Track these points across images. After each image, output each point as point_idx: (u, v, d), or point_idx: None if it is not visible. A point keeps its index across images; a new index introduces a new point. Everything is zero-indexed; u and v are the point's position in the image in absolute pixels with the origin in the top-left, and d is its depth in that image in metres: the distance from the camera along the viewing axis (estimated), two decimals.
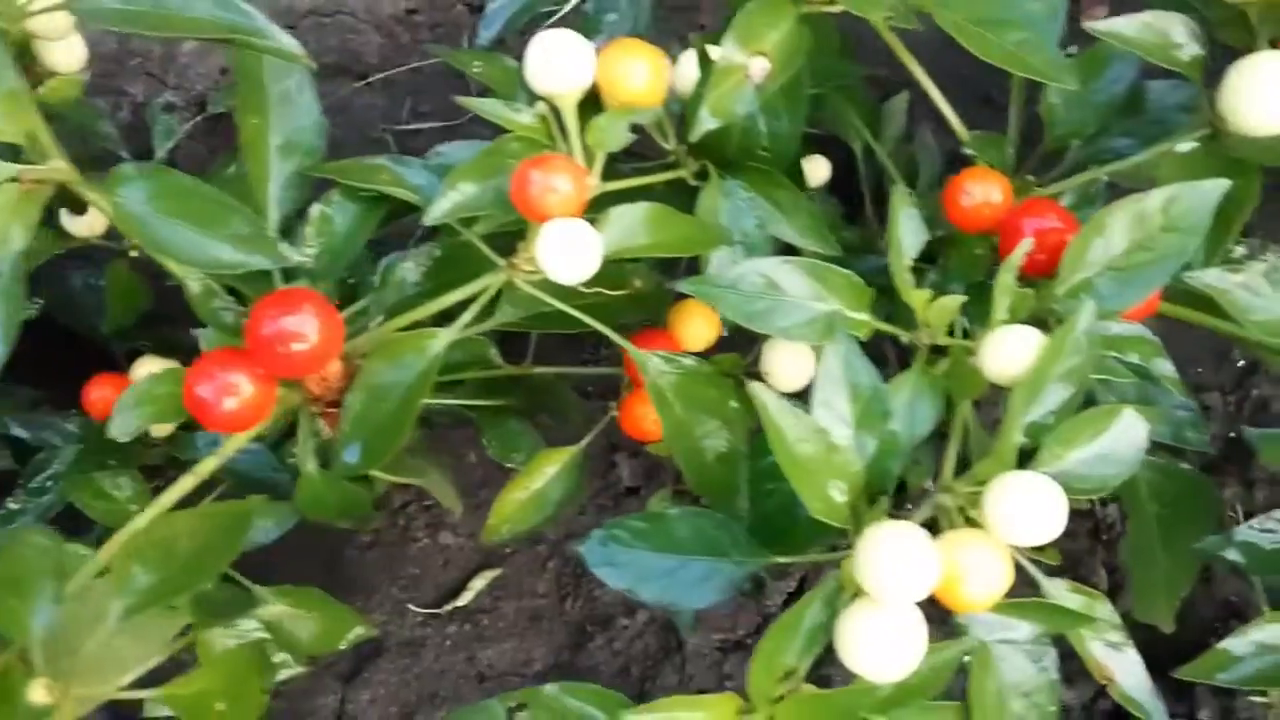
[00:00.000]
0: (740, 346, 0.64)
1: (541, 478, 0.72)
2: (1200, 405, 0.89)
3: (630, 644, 0.90)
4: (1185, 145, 0.53)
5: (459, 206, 0.49)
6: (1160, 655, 0.55)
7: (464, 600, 0.92)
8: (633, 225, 0.53)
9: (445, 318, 0.55)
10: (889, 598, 0.44)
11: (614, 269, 0.60)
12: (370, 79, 0.94)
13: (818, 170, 0.75)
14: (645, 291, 0.64)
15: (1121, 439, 0.51)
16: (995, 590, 0.46)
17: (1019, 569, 0.48)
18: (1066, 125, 0.59)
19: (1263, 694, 0.75)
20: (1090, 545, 0.89)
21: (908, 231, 0.50)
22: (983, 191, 0.57)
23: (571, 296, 0.57)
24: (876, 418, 0.47)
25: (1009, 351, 0.48)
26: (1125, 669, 0.51)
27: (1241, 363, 0.94)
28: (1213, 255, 0.50)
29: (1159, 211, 0.50)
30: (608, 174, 0.54)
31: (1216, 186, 0.49)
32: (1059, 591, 0.51)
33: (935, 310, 0.52)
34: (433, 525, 0.94)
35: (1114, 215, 0.50)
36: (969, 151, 0.61)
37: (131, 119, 0.93)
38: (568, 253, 0.47)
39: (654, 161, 0.62)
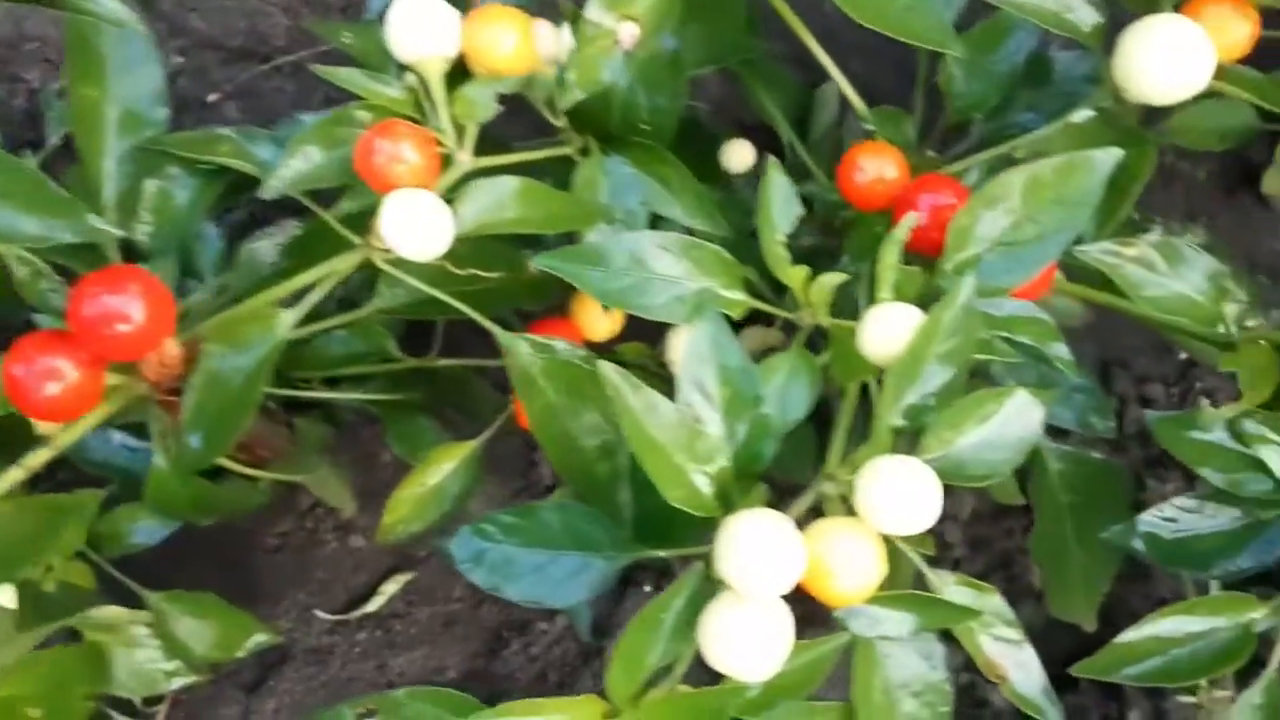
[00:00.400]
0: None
1: (438, 473, 0.69)
2: (1141, 398, 0.87)
3: (548, 650, 0.87)
4: (1081, 116, 0.50)
5: (301, 177, 0.46)
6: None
7: (374, 606, 0.88)
8: (500, 200, 0.50)
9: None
10: (750, 590, 0.41)
11: (503, 250, 0.57)
12: (278, 62, 0.91)
13: (742, 155, 0.72)
14: (542, 277, 0.61)
15: (1013, 423, 0.48)
16: (867, 582, 0.43)
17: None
18: (967, 97, 0.56)
19: (1191, 693, 0.72)
20: (1023, 543, 0.87)
21: (780, 206, 0.47)
22: (876, 167, 0.55)
23: (451, 279, 0.54)
24: (747, 401, 0.44)
25: (887, 331, 0.45)
26: (1020, 667, 0.49)
27: (1184, 355, 0.91)
28: (1104, 228, 0.48)
29: (1049, 183, 0.47)
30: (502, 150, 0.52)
31: (1109, 156, 0.47)
32: (945, 584, 0.48)
33: (816, 289, 0.49)
34: (342, 528, 0.90)
35: (1002, 188, 0.48)
36: (868, 127, 0.58)
37: (27, 105, 0.90)
38: (413, 227, 0.44)
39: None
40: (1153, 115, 0.59)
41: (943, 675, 0.47)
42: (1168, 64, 0.47)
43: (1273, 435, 0.45)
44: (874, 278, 0.48)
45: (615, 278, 0.46)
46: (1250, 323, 0.50)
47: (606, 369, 0.41)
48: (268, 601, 0.89)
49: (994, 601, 0.48)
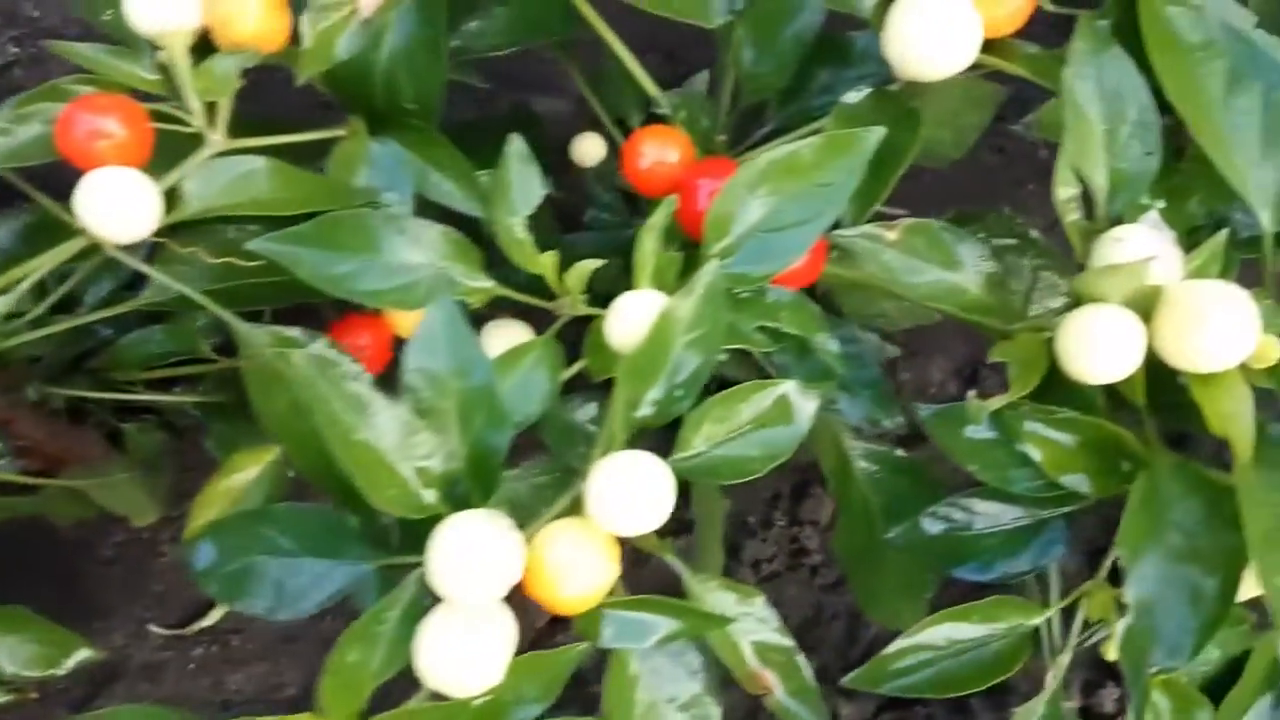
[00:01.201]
0: None
1: (241, 478, 0.66)
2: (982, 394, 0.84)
3: None
4: (853, 96, 0.48)
5: (4, 154, 0.43)
6: None
7: (211, 620, 0.84)
8: (239, 180, 0.47)
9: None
10: (458, 598, 0.38)
11: None
12: None
13: (591, 149, 0.69)
14: None
15: (780, 417, 0.45)
16: (595, 586, 0.40)
17: None
18: (757, 77, 0.53)
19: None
20: None
21: (520, 188, 0.44)
22: (658, 151, 0.52)
23: (226, 272, 0.51)
24: (480, 393, 0.41)
25: (630, 321, 0.43)
26: (789, 677, 0.46)
27: None
28: (865, 211, 0.45)
29: (808, 165, 0.45)
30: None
31: (871, 135, 0.44)
32: (706, 590, 0.45)
33: (572, 277, 0.46)
34: (180, 539, 0.86)
35: (761, 171, 0.45)
36: (661, 111, 0.56)
37: None
38: (111, 207, 0.41)
39: None
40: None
41: (702, 686, 0.44)
42: (933, 39, 0.45)
43: (1039, 428, 0.43)
44: (633, 265, 0.45)
45: (336, 262, 0.43)
46: (1036, 309, 0.48)
47: (298, 358, 0.38)
48: (102, 616, 0.85)
49: (759, 608, 0.45)
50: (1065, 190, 0.43)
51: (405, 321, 0.60)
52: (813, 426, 0.44)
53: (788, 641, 0.46)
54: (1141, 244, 0.42)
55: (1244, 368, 0.42)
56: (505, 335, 0.49)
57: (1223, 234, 0.44)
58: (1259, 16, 0.46)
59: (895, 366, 0.87)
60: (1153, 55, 0.44)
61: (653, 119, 0.58)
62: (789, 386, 0.45)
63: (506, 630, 0.39)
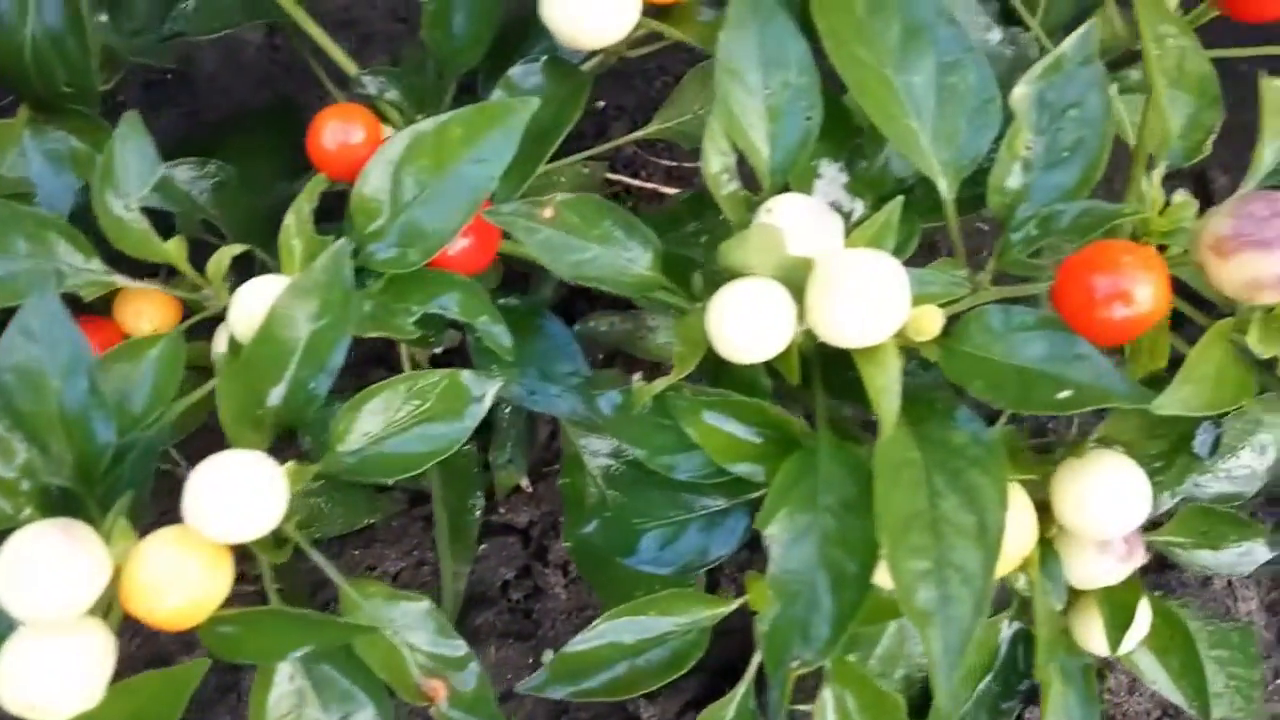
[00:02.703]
0: None
1: None
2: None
3: None
4: (521, 68, 0.45)
5: None
6: None
7: None
8: None
9: None
10: (27, 618, 0.35)
11: None
12: None
13: None
14: None
15: (445, 410, 0.42)
16: (199, 598, 0.37)
17: None
18: (446, 50, 0.50)
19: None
20: None
21: (130, 168, 0.41)
22: (342, 131, 0.49)
23: None
24: (82, 396, 0.38)
25: (252, 310, 0.40)
26: (463, 683, 0.43)
27: None
28: (519, 185, 0.42)
29: (459, 140, 0.42)
30: None
31: (523, 107, 0.42)
32: (364, 596, 0.42)
33: (212, 266, 0.43)
34: None
35: (408, 145, 0.42)
36: (360, 90, 0.53)
37: None
38: None
39: None
40: None
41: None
42: (586, 4, 0.42)
43: (704, 414, 0.40)
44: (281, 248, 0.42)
45: None
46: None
47: None
48: None
49: (419, 612, 0.42)
50: (717, 161, 0.41)
51: (136, 321, 0.57)
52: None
53: (460, 648, 0.43)
54: (792, 213, 0.40)
55: (903, 340, 0.40)
56: None
57: (898, 201, 0.41)
58: None
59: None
60: (817, 17, 0.42)
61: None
62: (462, 374, 0.42)
63: (98, 647, 0.36)
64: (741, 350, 0.39)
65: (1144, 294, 0.37)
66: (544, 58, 0.45)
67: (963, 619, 0.33)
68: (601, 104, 0.80)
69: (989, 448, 0.38)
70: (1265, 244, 0.35)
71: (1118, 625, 0.45)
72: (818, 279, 0.38)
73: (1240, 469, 0.51)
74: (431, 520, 0.62)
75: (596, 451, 0.54)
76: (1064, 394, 0.37)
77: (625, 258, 0.42)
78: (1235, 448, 0.50)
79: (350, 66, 0.52)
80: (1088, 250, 0.38)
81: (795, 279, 0.39)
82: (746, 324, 0.38)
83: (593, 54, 0.48)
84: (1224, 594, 0.62)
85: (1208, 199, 0.78)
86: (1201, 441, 0.46)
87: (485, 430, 0.65)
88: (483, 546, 0.65)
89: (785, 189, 0.42)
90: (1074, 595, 0.47)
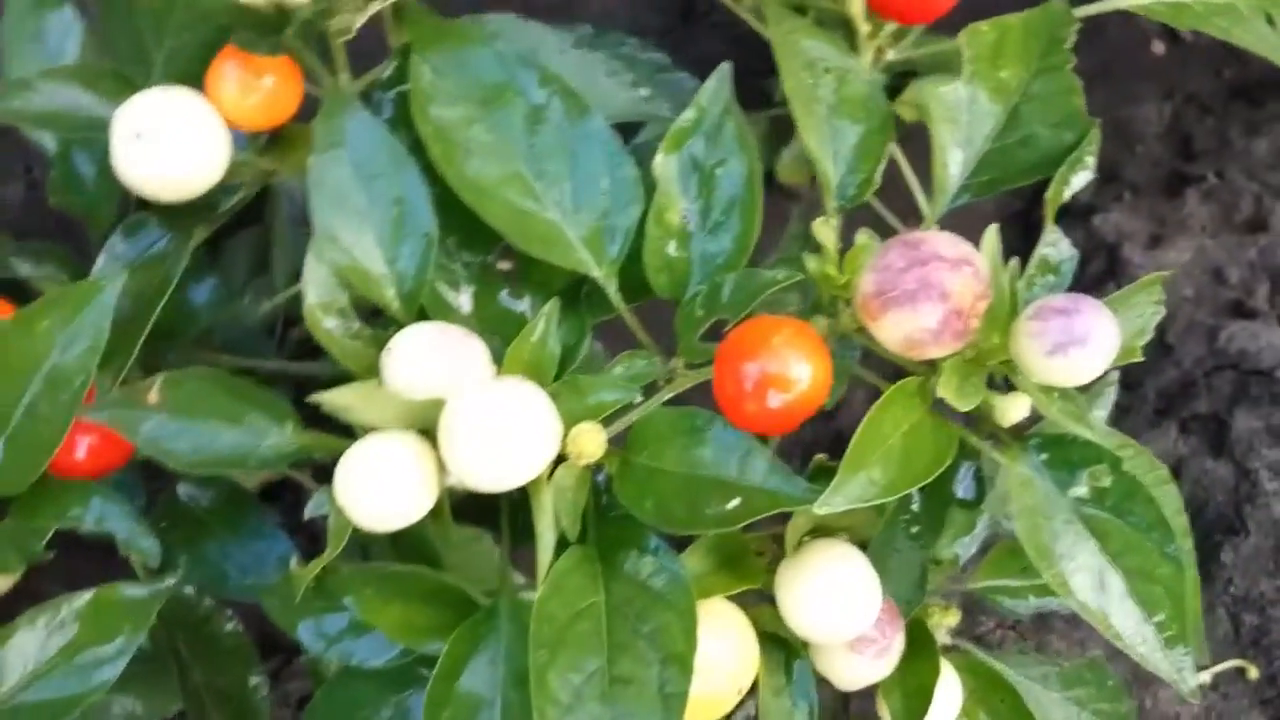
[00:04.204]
0: None
1: None
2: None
3: None
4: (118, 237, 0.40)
5: None
6: None
7: None
8: None
9: None
10: None
11: None
12: None
13: None
14: None
15: None
16: None
17: None
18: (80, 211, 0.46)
19: None
20: None
21: None
22: None
23: None
24: None
25: None
26: None
27: None
28: (119, 376, 0.37)
29: (44, 332, 0.37)
30: None
31: (109, 284, 0.37)
32: None
33: None
34: None
35: None
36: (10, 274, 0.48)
37: None
38: None
39: None
40: None
41: None
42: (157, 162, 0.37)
43: (365, 588, 0.35)
44: None
45: None
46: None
47: None
48: None
49: None
50: (316, 293, 0.35)
51: None
52: None
53: None
54: (417, 350, 0.35)
55: (570, 467, 0.35)
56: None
57: (547, 310, 0.36)
58: None
59: None
60: (420, 123, 0.37)
61: None
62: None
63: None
64: (374, 520, 0.34)
65: (800, 374, 0.32)
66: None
67: None
68: None
69: (675, 580, 0.33)
70: (909, 299, 0.31)
71: (911, 716, 0.40)
72: (444, 426, 0.33)
73: None
74: None
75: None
76: (733, 503, 0.32)
77: (253, 433, 0.37)
78: None
79: None
80: (734, 334, 0.33)
81: (432, 424, 0.34)
82: (371, 491, 0.33)
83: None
84: (1067, 627, 0.57)
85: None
86: (964, 486, 0.41)
87: None
88: None
89: (423, 316, 0.37)
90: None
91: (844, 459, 0.31)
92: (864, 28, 0.44)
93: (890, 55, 0.46)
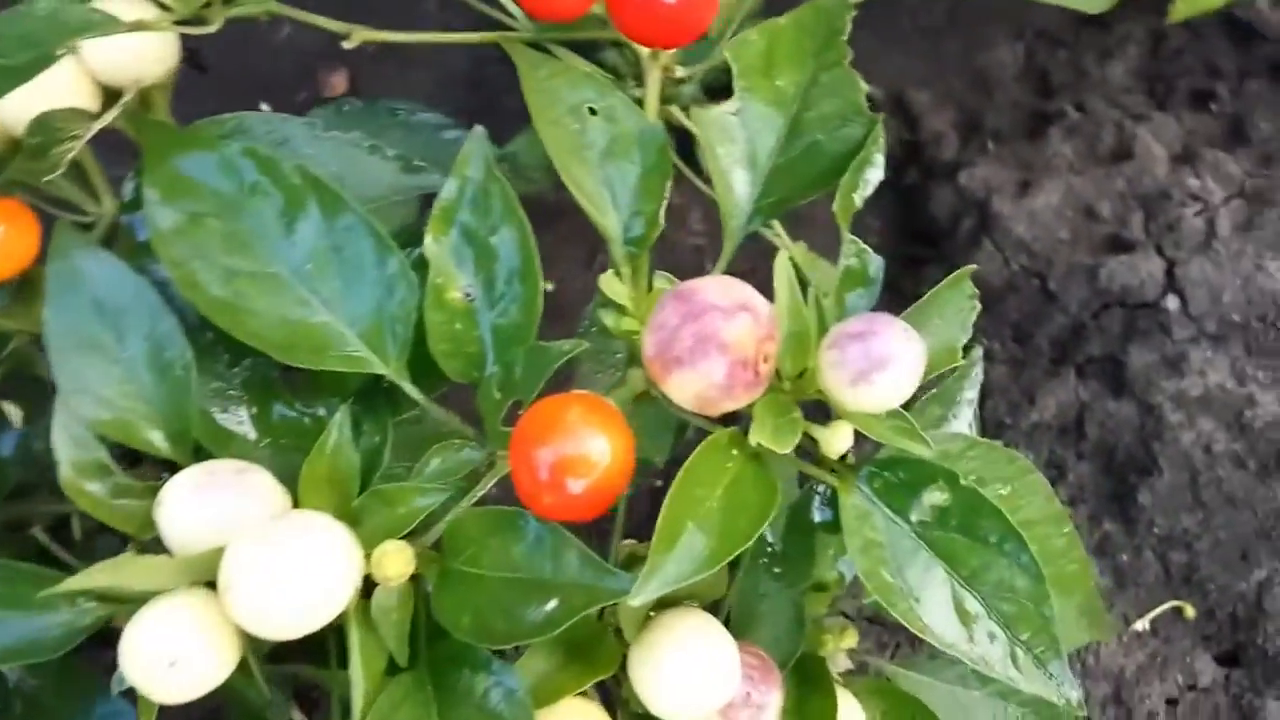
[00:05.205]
0: None
1: None
2: None
3: None
4: None
5: None
6: None
7: None
8: None
9: None
10: None
11: None
12: None
13: None
14: None
15: None
16: None
17: None
18: None
19: None
20: None
21: None
22: None
23: None
24: None
25: None
26: None
27: None
28: None
29: None
30: None
31: None
32: None
33: None
34: None
35: None
36: None
37: None
38: None
39: None
40: None
41: None
42: None
43: None
44: None
45: None
46: None
47: None
48: None
49: None
50: (69, 454, 0.32)
51: None
52: None
53: None
54: (190, 500, 0.32)
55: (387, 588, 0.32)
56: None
57: (341, 416, 0.33)
58: None
59: None
60: (160, 248, 0.34)
61: None
62: None
63: None
64: (170, 694, 0.30)
65: (598, 452, 0.30)
66: None
67: None
68: None
69: (512, 698, 0.30)
70: (689, 356, 0.28)
71: None
72: (221, 579, 0.30)
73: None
74: None
75: None
76: (551, 604, 0.30)
77: (43, 616, 0.33)
78: None
79: None
80: (521, 420, 0.31)
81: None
82: (160, 664, 0.30)
83: None
84: None
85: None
86: (820, 512, 0.38)
87: None
88: None
89: (199, 453, 0.34)
90: None
91: (653, 538, 0.28)
92: (643, 49, 0.42)
93: (679, 72, 0.44)
